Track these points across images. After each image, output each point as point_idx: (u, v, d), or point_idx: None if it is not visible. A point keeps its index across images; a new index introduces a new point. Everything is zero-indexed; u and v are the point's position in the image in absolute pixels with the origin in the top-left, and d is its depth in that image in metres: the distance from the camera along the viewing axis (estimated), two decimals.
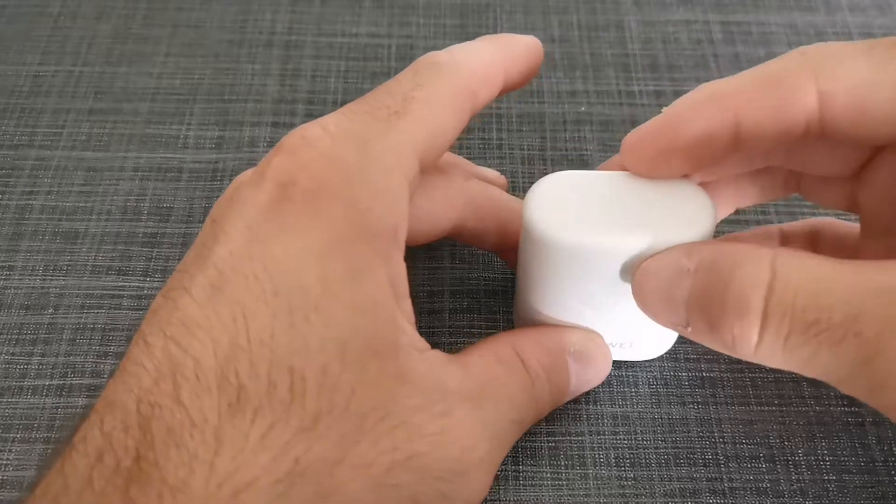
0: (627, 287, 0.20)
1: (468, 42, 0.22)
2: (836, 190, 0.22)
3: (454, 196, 0.23)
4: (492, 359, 0.21)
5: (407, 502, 0.18)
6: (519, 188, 0.29)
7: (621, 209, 0.20)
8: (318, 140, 0.18)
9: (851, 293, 0.16)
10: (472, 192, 0.23)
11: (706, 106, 0.19)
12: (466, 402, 0.19)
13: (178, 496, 0.15)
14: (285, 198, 0.17)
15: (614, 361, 0.24)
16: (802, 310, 0.16)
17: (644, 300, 0.19)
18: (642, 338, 0.23)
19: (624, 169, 0.21)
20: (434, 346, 0.25)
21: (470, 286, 0.27)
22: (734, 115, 0.19)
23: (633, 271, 0.20)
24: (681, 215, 0.19)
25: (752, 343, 0.17)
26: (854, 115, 0.18)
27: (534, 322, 0.23)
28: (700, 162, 0.20)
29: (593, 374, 0.23)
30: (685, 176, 0.20)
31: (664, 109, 0.20)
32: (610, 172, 0.21)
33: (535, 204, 0.20)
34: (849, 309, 0.15)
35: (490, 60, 0.21)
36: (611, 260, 0.20)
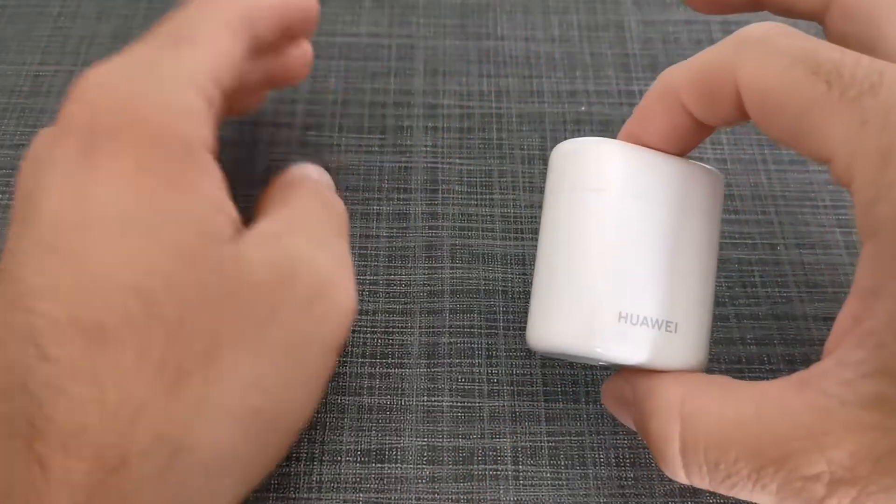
0: (679, 219, 0.20)
1: None
2: None
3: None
4: (280, 199, 0.22)
5: (288, 348, 0.19)
6: (519, 188, 0.29)
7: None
8: (103, 76, 0.19)
9: (754, 447, 0.17)
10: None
11: (659, 104, 0.21)
12: (293, 234, 0.20)
13: (81, 438, 0.16)
14: (90, 142, 0.18)
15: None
16: (715, 465, 0.18)
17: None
18: (690, 317, 0.20)
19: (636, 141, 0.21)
20: (434, 345, 0.25)
21: (470, 286, 0.27)
22: (682, 104, 0.20)
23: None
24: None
25: (685, 482, 0.19)
26: (758, 116, 0.18)
27: (560, 295, 0.20)
28: (678, 145, 0.21)
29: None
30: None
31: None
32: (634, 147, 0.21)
33: (563, 147, 0.21)
34: (752, 465, 0.17)
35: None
36: (656, 175, 0.20)
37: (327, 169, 0.25)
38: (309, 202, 0.22)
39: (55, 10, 0.34)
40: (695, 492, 0.23)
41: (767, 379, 0.25)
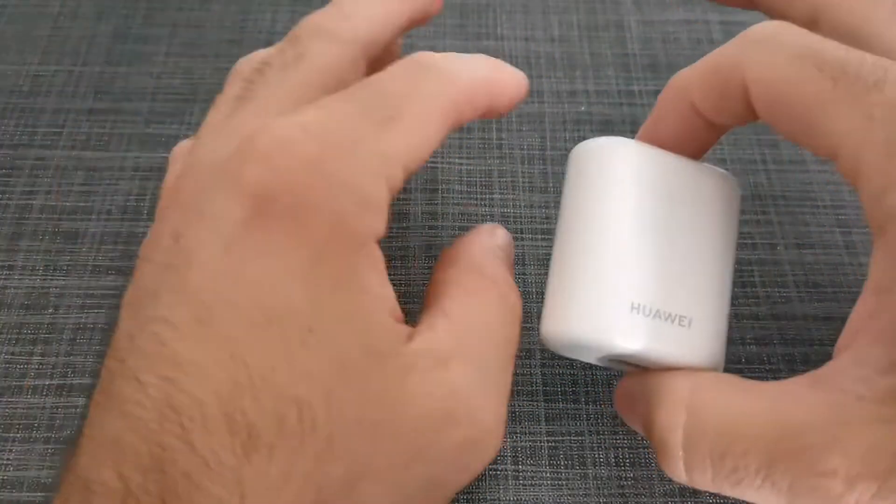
0: (696, 219, 0.20)
1: (464, 55, 0.21)
2: None
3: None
4: (462, 297, 0.19)
5: (426, 486, 0.17)
6: (519, 188, 0.29)
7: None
8: (298, 145, 0.17)
9: (765, 440, 0.16)
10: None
11: (671, 105, 0.21)
12: (463, 361, 0.18)
13: None
14: (265, 215, 0.16)
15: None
16: (720, 457, 0.17)
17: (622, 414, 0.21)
18: (705, 314, 0.20)
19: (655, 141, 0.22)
20: None
21: None
22: (692, 104, 0.20)
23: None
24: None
25: (683, 479, 0.18)
26: (766, 114, 0.19)
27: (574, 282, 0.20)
28: (693, 146, 0.21)
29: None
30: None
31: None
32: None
33: (583, 146, 0.21)
34: (763, 458, 0.16)
35: (482, 80, 0.20)
36: (674, 177, 0.20)
37: None
38: (492, 312, 0.19)
39: (55, 10, 0.34)
40: (695, 491, 0.23)
41: (767, 379, 0.25)
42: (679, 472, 0.18)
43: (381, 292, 0.17)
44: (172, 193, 0.19)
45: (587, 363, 0.25)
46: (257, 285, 0.16)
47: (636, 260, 0.19)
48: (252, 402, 0.15)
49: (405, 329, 0.18)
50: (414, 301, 0.26)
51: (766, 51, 0.18)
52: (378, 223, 0.17)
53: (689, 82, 0.20)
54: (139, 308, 0.17)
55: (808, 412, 0.16)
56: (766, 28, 0.19)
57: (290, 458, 0.15)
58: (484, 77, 0.20)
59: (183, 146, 0.21)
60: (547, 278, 0.21)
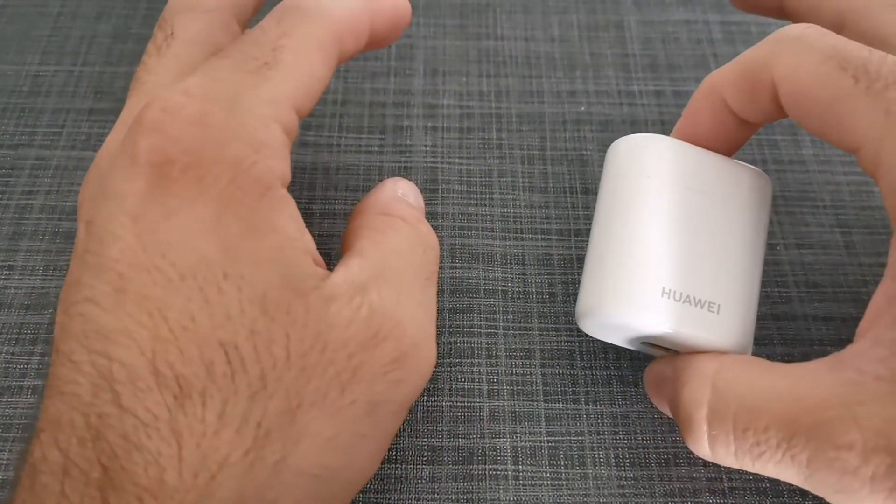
0: (728, 213, 0.21)
1: None
2: None
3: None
4: (374, 233, 0.20)
5: (367, 408, 0.18)
6: (519, 188, 0.29)
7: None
8: (182, 108, 0.17)
9: (786, 416, 0.17)
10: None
11: (704, 103, 0.22)
12: (380, 286, 0.19)
13: (158, 494, 0.15)
14: (164, 179, 0.17)
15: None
16: (743, 431, 0.18)
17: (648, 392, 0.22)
18: (734, 302, 0.21)
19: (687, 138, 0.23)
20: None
21: (470, 286, 0.27)
22: (725, 103, 0.21)
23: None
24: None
25: (707, 454, 0.19)
26: (795, 112, 0.20)
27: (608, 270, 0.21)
28: (725, 144, 0.22)
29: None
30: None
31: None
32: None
33: (620, 142, 0.22)
34: (783, 433, 0.17)
35: (356, 8, 0.21)
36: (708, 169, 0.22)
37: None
38: (402, 241, 0.20)
39: (55, 10, 0.34)
40: (694, 491, 0.23)
41: None
42: (703, 447, 0.19)
43: (295, 234, 0.18)
44: (81, 191, 0.19)
45: (586, 366, 0.25)
46: (167, 245, 0.17)
47: (669, 249, 0.21)
48: (177, 354, 0.16)
49: (323, 271, 0.19)
50: None
51: (793, 51, 0.19)
52: (279, 166, 0.18)
53: (722, 81, 0.21)
54: (66, 299, 0.17)
55: (827, 390, 0.17)
56: (794, 30, 0.20)
57: (224, 399, 0.16)
58: (356, 6, 0.21)
59: None
60: (585, 262, 0.22)
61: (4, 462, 0.23)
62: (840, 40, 0.19)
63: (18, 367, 0.25)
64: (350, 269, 0.19)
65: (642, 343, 0.22)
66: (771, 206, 0.22)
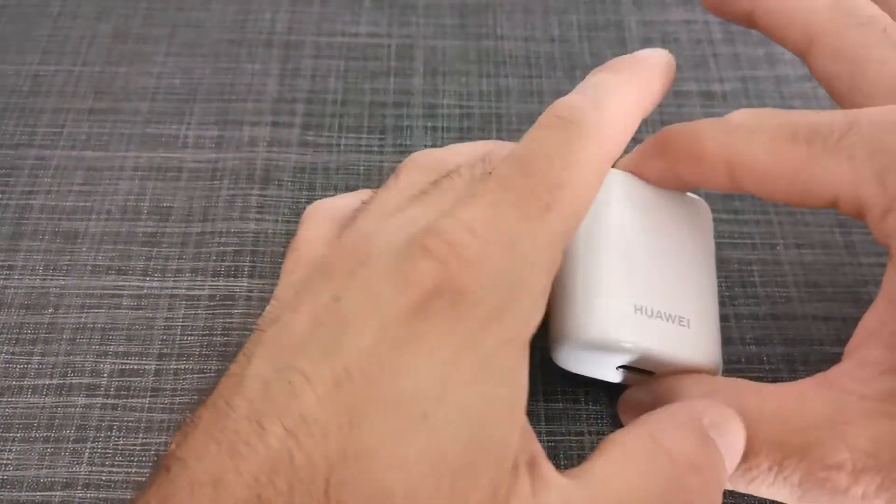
0: (680, 237, 0.22)
1: (607, 78, 0.20)
2: None
3: None
4: (621, 459, 0.17)
5: None
6: None
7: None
8: (465, 248, 0.17)
9: (776, 439, 0.17)
10: None
11: (655, 161, 0.22)
12: None
13: None
14: (426, 305, 0.16)
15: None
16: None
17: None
18: (701, 316, 0.21)
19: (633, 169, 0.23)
20: None
21: None
22: (678, 174, 0.22)
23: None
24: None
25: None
26: (761, 190, 0.20)
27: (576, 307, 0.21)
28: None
29: (736, 445, 0.18)
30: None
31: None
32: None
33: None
34: (774, 457, 0.17)
35: (633, 109, 0.20)
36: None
37: None
38: (640, 474, 0.17)
39: (55, 10, 0.34)
40: None
41: (767, 379, 0.25)
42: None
43: (522, 403, 0.17)
44: (339, 253, 0.19)
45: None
46: (398, 366, 0.16)
47: (633, 269, 0.21)
48: (352, 478, 0.15)
49: (538, 453, 0.17)
50: None
51: (744, 139, 0.20)
52: (533, 316, 0.17)
53: (677, 150, 0.21)
54: (280, 353, 0.16)
55: (814, 411, 0.17)
56: (740, 116, 0.20)
57: None
58: (634, 105, 0.20)
59: (320, 206, 0.22)
60: (551, 298, 0.21)
61: (4, 462, 0.23)
62: (786, 115, 0.20)
63: (18, 367, 0.25)
64: (567, 489, 0.16)
65: (617, 368, 0.21)
66: (713, 229, 0.23)
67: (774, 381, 0.25)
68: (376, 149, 0.30)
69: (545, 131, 0.19)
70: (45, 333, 0.26)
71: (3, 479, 0.23)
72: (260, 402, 0.16)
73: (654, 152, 0.22)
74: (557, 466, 0.23)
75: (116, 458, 0.23)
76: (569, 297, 0.21)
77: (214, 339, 0.25)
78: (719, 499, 0.17)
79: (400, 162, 0.23)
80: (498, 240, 0.17)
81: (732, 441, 0.18)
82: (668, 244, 0.22)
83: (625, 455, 0.17)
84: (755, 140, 0.20)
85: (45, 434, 0.24)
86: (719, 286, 0.27)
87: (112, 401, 0.24)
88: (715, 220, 0.28)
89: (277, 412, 0.15)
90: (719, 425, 0.18)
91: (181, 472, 0.15)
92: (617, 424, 0.24)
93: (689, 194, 0.23)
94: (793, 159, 0.19)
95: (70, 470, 0.23)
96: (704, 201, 0.23)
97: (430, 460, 0.15)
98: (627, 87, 0.20)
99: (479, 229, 0.17)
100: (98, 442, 0.23)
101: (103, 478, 0.23)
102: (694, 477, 0.17)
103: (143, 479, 0.23)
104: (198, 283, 0.27)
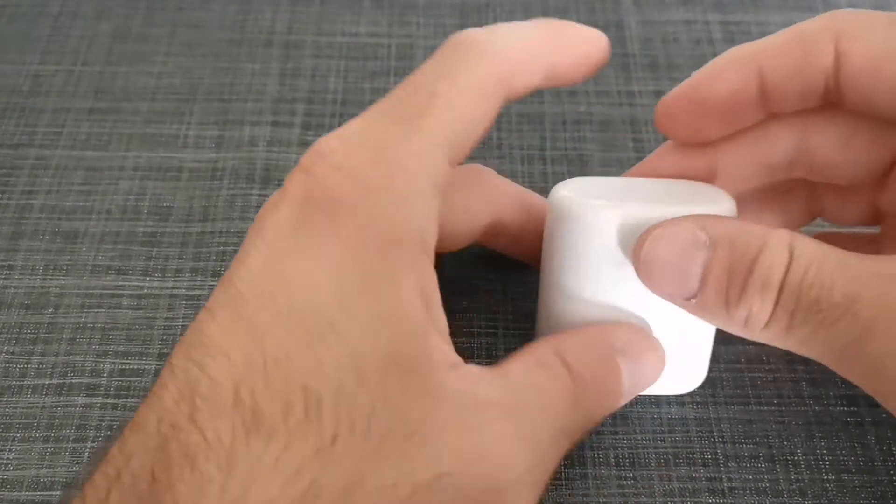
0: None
1: (516, 22, 0.20)
2: (858, 201, 0.22)
3: (492, 191, 0.22)
4: (532, 364, 0.19)
5: None
6: None
7: (646, 195, 0.20)
8: (331, 152, 0.18)
9: (852, 275, 0.16)
10: (510, 189, 0.23)
11: (733, 64, 0.20)
12: (503, 415, 0.17)
13: None
14: (303, 215, 0.17)
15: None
16: (808, 287, 0.17)
17: (651, 269, 0.19)
18: (679, 346, 0.21)
19: (648, 176, 0.22)
20: None
21: (470, 286, 0.27)
22: (759, 70, 0.20)
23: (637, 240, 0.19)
24: (704, 201, 0.20)
25: (763, 321, 0.18)
26: (867, 81, 0.18)
27: (558, 327, 0.21)
28: (730, 123, 0.21)
29: (646, 373, 0.21)
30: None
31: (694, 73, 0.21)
32: (629, 178, 0.22)
33: (564, 190, 0.20)
34: (848, 290, 0.16)
35: (533, 46, 0.20)
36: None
37: None
38: (550, 384, 0.18)
39: (55, 10, 0.34)
40: (694, 491, 0.23)
41: (767, 380, 0.25)
42: (765, 312, 0.17)
43: (418, 305, 0.17)
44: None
45: None
46: (289, 279, 0.17)
47: (611, 299, 0.20)
48: (262, 384, 0.16)
49: (451, 358, 0.17)
50: None
51: (860, 21, 0.18)
52: (417, 221, 0.17)
53: (763, 50, 0.20)
54: (201, 313, 0.17)
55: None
56: (857, 12, 0.19)
57: (289, 445, 0.15)
58: (534, 42, 0.20)
59: None
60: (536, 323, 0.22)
61: (4, 461, 0.23)
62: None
63: (18, 367, 0.25)
64: (481, 382, 0.17)
65: None
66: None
67: (774, 380, 0.25)
68: None
69: (436, 54, 0.19)
70: (45, 333, 0.26)
71: (3, 479, 0.23)
72: (177, 347, 0.17)
73: (730, 55, 0.20)
74: (557, 467, 0.23)
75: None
76: (552, 327, 0.22)
77: None
78: (607, 414, 0.20)
79: None
80: (364, 144, 0.18)
81: (640, 367, 0.20)
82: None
83: (537, 364, 0.19)
84: (876, 24, 0.18)
85: (45, 434, 0.24)
86: None
87: (112, 401, 0.24)
88: None
89: (183, 349, 0.16)
90: (629, 351, 0.20)
91: (120, 433, 0.16)
92: (617, 425, 0.24)
93: (709, 186, 0.21)
94: None
95: (70, 470, 0.23)
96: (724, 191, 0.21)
97: (350, 363, 0.16)
98: (533, 31, 0.20)
99: (347, 136, 0.18)
100: (98, 442, 0.23)
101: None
102: (582, 385, 0.19)
103: None
104: (198, 283, 0.27)
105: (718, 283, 0.18)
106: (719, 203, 0.20)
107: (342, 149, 0.18)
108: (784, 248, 0.17)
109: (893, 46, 0.18)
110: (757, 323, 0.18)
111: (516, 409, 0.18)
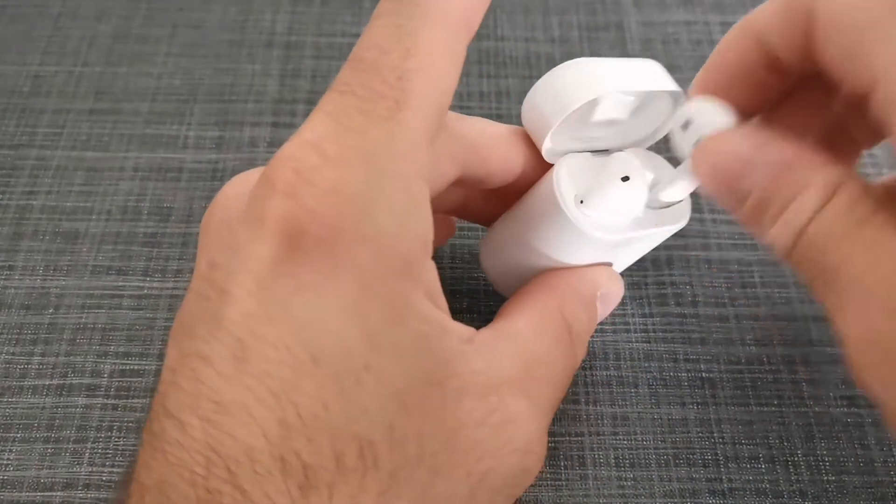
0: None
1: None
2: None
3: (456, 145, 0.20)
4: (538, 322, 0.19)
5: None
6: None
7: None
8: (316, 173, 0.15)
9: (848, 249, 0.16)
10: (464, 130, 0.20)
11: (734, 34, 0.20)
12: (517, 391, 0.18)
13: None
14: (295, 250, 0.15)
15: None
16: (810, 244, 0.17)
17: (703, 174, 0.18)
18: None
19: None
20: None
21: (470, 286, 0.27)
22: (756, 35, 0.20)
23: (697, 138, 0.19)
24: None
25: (783, 254, 0.18)
26: (832, 35, 0.18)
27: (522, 268, 0.22)
28: (761, 89, 0.20)
29: (610, 308, 0.22)
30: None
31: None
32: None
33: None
34: (835, 258, 0.16)
35: None
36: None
37: None
38: (557, 355, 0.19)
39: (55, 11, 0.34)
40: (694, 492, 0.23)
41: (767, 380, 0.25)
42: (781, 248, 0.17)
43: (435, 312, 0.16)
44: (207, 214, 0.18)
45: (586, 366, 0.25)
46: (299, 324, 0.15)
47: (591, 258, 0.21)
48: (305, 442, 0.15)
49: (465, 332, 0.17)
50: None
51: None
52: (421, 232, 0.16)
53: (760, 14, 0.20)
54: (180, 340, 0.16)
55: None
56: None
57: (352, 495, 0.15)
58: None
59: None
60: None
61: (4, 462, 0.23)
62: None
63: (18, 367, 0.25)
64: (495, 355, 0.18)
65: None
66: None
67: (774, 381, 0.25)
68: None
69: (378, 20, 0.17)
70: (46, 334, 0.26)
71: (3, 479, 0.23)
72: (172, 395, 0.15)
73: (735, 29, 0.20)
74: (558, 468, 0.23)
75: (117, 459, 0.23)
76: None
77: None
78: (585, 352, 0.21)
79: None
80: (350, 156, 0.15)
81: (608, 308, 0.22)
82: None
83: (543, 322, 0.20)
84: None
85: (45, 434, 0.24)
86: (719, 286, 0.27)
87: (112, 401, 0.24)
88: (715, 220, 0.28)
89: (189, 403, 0.15)
90: (605, 297, 0.22)
91: (136, 487, 0.15)
92: (617, 425, 0.24)
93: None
94: (871, 13, 0.17)
95: (70, 470, 0.23)
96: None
97: (394, 401, 0.15)
98: None
99: (327, 148, 0.15)
100: (98, 442, 0.23)
101: (104, 478, 0.23)
102: (578, 342, 0.20)
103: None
104: None
105: (754, 207, 0.18)
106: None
107: (329, 168, 0.15)
108: (817, 197, 0.17)
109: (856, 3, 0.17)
110: (779, 252, 0.18)
111: (528, 384, 0.18)
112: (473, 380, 0.17)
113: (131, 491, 0.15)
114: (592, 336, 0.25)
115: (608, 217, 0.20)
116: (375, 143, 0.16)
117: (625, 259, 0.23)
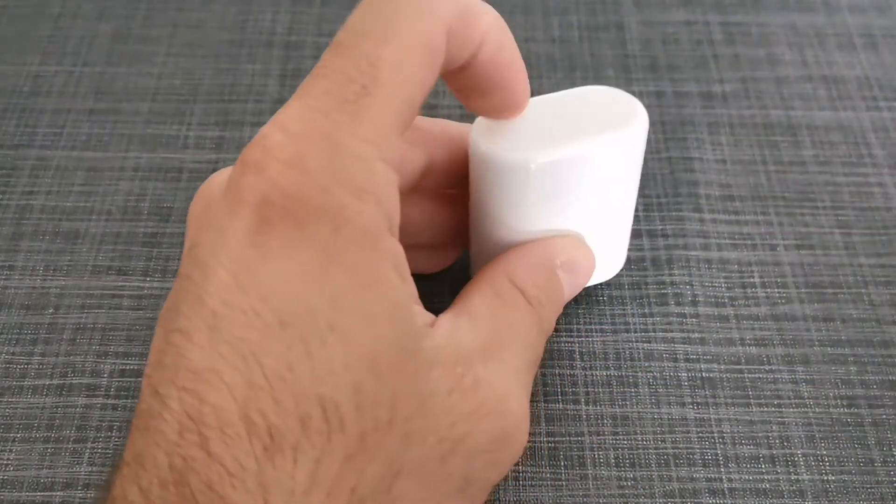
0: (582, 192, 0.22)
1: None
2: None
3: (423, 134, 0.22)
4: (491, 296, 0.20)
5: (461, 483, 0.17)
6: None
7: (564, 123, 0.21)
8: (281, 149, 0.16)
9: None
10: (429, 127, 0.22)
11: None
12: (486, 357, 0.18)
13: None
14: (265, 221, 0.16)
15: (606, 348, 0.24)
16: None
17: None
18: (602, 241, 0.24)
19: None
20: None
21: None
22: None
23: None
24: (620, 121, 0.21)
25: None
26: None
27: (497, 248, 0.23)
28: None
29: (581, 279, 0.23)
30: None
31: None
32: (537, 100, 0.22)
33: (484, 142, 0.21)
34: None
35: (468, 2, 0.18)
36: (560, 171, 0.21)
37: None
38: (520, 319, 0.20)
39: (55, 10, 0.34)
40: (694, 492, 0.23)
41: (767, 381, 0.25)
42: None
43: (403, 286, 0.17)
44: (192, 205, 0.19)
45: (586, 366, 0.25)
46: (268, 289, 0.16)
47: (547, 223, 0.22)
48: (271, 403, 0.15)
49: (428, 318, 0.18)
50: None
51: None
52: (384, 211, 0.17)
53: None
54: (165, 322, 0.16)
55: None
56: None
57: (318, 458, 0.15)
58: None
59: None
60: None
61: (4, 462, 0.23)
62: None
63: (18, 367, 0.25)
64: (457, 332, 0.18)
65: None
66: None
67: (774, 381, 0.25)
68: None
69: (363, 6, 0.18)
70: (46, 333, 0.26)
71: (3, 479, 0.23)
72: (156, 373, 0.16)
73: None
74: (557, 468, 0.23)
75: (117, 459, 0.23)
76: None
77: None
78: (553, 324, 0.22)
79: None
80: (311, 136, 0.16)
81: (577, 276, 0.23)
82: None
83: (496, 296, 0.20)
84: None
85: (45, 434, 0.24)
86: (719, 286, 0.27)
87: (112, 401, 0.24)
88: (715, 220, 0.28)
89: (169, 376, 0.15)
90: (568, 262, 0.22)
91: (121, 465, 0.16)
92: (617, 425, 0.24)
93: (617, 91, 0.22)
94: None
95: (70, 470, 0.23)
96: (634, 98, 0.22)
97: (362, 362, 0.16)
98: None
99: (291, 126, 0.16)
100: (98, 442, 0.23)
101: (104, 478, 0.23)
102: (538, 305, 0.21)
103: None
104: None
105: None
106: (633, 117, 0.21)
107: (291, 144, 0.16)
108: None
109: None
110: None
111: (496, 348, 0.19)
112: (439, 354, 0.17)
113: (116, 470, 0.16)
114: (592, 333, 0.25)
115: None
116: (338, 124, 0.16)
117: (591, 215, 0.22)
